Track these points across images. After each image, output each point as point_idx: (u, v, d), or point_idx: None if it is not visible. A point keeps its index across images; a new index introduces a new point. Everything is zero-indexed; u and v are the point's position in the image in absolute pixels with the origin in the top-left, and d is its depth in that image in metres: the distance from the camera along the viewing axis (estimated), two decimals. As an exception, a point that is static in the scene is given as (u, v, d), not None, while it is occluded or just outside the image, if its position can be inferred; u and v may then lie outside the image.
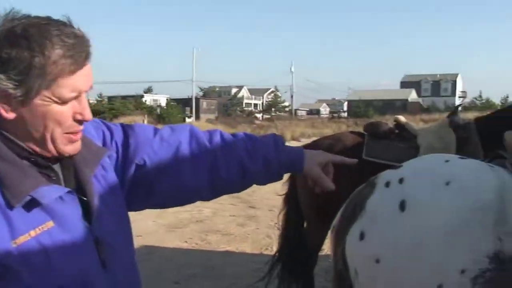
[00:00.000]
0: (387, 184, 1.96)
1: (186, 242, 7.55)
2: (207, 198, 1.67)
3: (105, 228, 1.33)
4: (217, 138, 1.65)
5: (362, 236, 1.90)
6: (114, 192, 1.43)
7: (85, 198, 1.31)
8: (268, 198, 10.16)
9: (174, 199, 1.62)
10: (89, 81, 1.28)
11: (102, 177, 1.40)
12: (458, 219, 1.81)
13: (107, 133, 1.53)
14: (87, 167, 1.35)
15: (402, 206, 1.86)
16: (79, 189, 1.32)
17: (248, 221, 8.95)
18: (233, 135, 1.71)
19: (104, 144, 1.50)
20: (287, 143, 1.78)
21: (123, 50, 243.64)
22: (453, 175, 1.92)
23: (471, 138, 4.28)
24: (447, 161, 2.03)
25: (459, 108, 5.11)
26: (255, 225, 8.58)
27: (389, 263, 1.83)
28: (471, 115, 4.71)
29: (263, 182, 1.72)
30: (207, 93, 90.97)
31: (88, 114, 1.28)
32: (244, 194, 10.92)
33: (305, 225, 4.65)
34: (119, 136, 1.54)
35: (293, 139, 30.66)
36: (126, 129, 1.56)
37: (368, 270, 1.88)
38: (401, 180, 1.94)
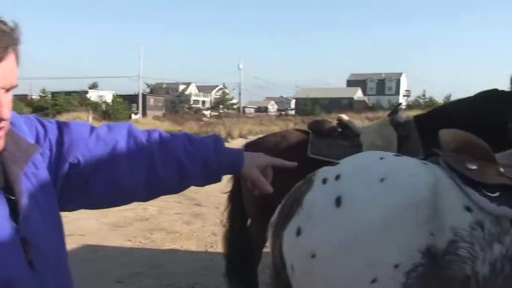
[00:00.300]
0: (324, 181, 2.00)
1: (130, 240, 7.46)
2: (143, 199, 1.63)
3: (33, 228, 1.28)
4: (155, 138, 1.62)
5: (298, 232, 1.93)
6: (46, 191, 1.38)
7: (13, 197, 1.26)
8: (214, 196, 10.14)
9: (110, 199, 1.58)
10: (8, 78, 1.22)
11: (33, 175, 1.35)
12: (392, 215, 1.87)
13: (41, 130, 1.48)
14: (16, 164, 1.30)
15: (338, 202, 1.90)
16: (7, 188, 1.27)
17: (193, 219, 8.92)
18: (173, 135, 1.69)
19: (37, 141, 1.45)
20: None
21: (67, 44, 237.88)
22: (387, 172, 1.97)
23: (411, 135, 4.40)
24: (382, 158, 2.09)
25: (401, 107, 5.25)
26: (200, 223, 8.55)
27: (325, 258, 1.86)
28: (415, 114, 4.87)
29: (201, 184, 1.71)
30: (154, 89, 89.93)
31: (5, 113, 1.23)
32: (189, 191, 10.87)
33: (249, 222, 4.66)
34: (53, 133, 1.49)
35: (241, 136, 30.76)
36: (61, 127, 1.51)
37: (304, 265, 1.91)
38: (337, 177, 1.98)
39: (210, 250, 6.89)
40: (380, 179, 1.94)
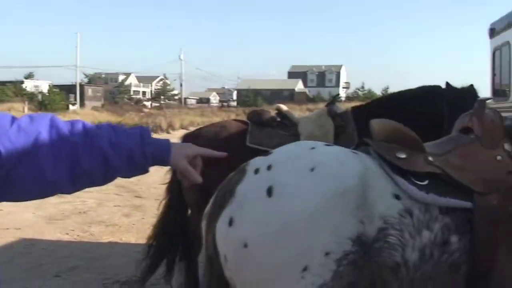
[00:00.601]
0: (256, 171, 2.01)
1: (67, 234, 7.31)
2: (68, 191, 1.60)
3: None
4: (79, 129, 1.57)
5: (231, 222, 1.94)
6: None
7: None
8: (154, 187, 10.05)
9: (33, 191, 1.54)
10: None
11: None
12: (322, 204, 1.90)
13: None
14: None
15: (270, 192, 1.92)
16: None
17: (133, 211, 8.83)
18: (97, 126, 1.65)
19: None
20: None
21: (1, 32, 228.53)
22: (318, 161, 2.01)
23: (347, 126, 4.52)
24: (313, 148, 2.12)
25: (338, 98, 5.36)
26: (140, 215, 8.47)
27: (257, 248, 1.88)
28: (354, 105, 5.09)
29: (128, 175, 1.68)
30: (93, 79, 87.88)
31: None
32: (130, 183, 10.74)
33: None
34: None
35: (182, 127, 30.51)
36: None
37: (236, 255, 1.92)
38: (269, 167, 2.00)
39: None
40: (310, 169, 1.97)
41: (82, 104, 64.13)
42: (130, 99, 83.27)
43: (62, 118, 1.62)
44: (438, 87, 4.56)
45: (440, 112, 4.20)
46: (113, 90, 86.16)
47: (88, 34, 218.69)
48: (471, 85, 4.44)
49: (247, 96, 78.29)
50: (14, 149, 1.44)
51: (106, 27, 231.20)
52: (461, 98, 4.13)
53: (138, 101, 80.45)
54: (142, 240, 6.90)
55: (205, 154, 1.77)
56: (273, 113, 4.87)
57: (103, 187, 1.64)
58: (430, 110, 4.29)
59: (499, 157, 2.37)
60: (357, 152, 2.21)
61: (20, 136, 1.46)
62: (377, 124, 2.42)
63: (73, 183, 1.56)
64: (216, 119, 33.25)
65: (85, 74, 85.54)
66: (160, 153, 1.67)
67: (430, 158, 2.25)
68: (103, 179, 1.63)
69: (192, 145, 1.78)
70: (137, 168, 1.65)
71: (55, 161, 1.50)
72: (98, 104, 66.69)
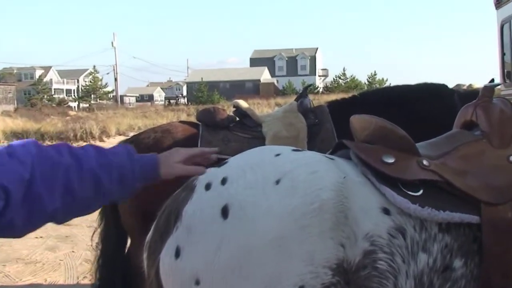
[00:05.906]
0: (208, 186, 2.00)
1: (-24, 276, 7.18)
2: (61, 221, 1.78)
3: None
4: (66, 154, 1.75)
5: (178, 253, 1.93)
6: None
7: None
8: (86, 212, 9.94)
9: (29, 228, 1.72)
10: None
11: None
12: (290, 224, 1.89)
13: None
14: None
15: (225, 212, 1.91)
16: None
17: (60, 243, 8.71)
18: (82, 148, 1.84)
19: None
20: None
21: None
22: (284, 171, 2.00)
23: (323, 124, 4.53)
24: (277, 155, 2.11)
25: (313, 88, 5.40)
26: (70, 248, 8.37)
27: (211, 284, 1.87)
28: (335, 98, 5.08)
29: (118, 197, 1.92)
30: (3, 77, 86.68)
31: None
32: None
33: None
34: None
35: (119, 133, 30.22)
36: None
37: None
38: (223, 181, 1.99)
39: (82, 282, 6.77)
40: (275, 181, 1.97)
41: (-11, 109, 63.13)
42: (51, 99, 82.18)
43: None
44: (444, 85, 4.67)
45: (445, 114, 4.23)
46: (29, 89, 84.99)
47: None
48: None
49: (200, 91, 78.04)
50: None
51: (17, 13, 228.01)
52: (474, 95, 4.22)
53: (62, 102, 79.48)
54: (73, 280, 6.84)
55: (194, 154, 2.04)
56: (230, 111, 4.86)
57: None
58: (433, 111, 4.36)
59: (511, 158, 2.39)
60: (333, 158, 2.21)
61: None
62: (358, 121, 2.43)
63: (66, 211, 1.76)
64: (162, 121, 32.98)
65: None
66: (148, 168, 1.91)
67: (425, 162, 2.26)
68: (95, 204, 1.85)
69: (178, 149, 2.03)
70: (127, 187, 1.87)
71: (50, 191, 1.68)
72: (11, 107, 65.68)
